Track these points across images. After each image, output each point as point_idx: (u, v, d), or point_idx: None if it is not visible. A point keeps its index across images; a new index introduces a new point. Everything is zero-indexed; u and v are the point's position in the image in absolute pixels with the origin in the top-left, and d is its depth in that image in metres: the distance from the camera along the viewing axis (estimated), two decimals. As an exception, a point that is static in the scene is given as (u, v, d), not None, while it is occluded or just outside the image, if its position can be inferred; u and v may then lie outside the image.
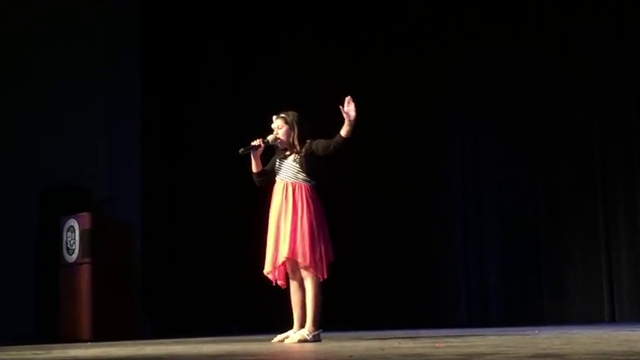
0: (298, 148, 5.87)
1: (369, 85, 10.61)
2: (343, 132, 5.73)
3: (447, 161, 10.82)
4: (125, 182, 10.38)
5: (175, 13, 11.06)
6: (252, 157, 5.94)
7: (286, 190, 5.82)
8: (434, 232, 10.70)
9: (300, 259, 5.69)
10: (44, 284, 9.28)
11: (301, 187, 5.82)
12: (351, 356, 3.70)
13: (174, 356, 4.32)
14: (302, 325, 5.76)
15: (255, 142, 5.88)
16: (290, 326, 5.91)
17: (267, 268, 5.84)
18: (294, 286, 5.85)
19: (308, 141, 5.88)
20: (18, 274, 9.52)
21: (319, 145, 5.83)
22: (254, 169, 5.98)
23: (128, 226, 8.77)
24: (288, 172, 5.86)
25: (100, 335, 7.94)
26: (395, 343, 5.02)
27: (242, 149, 5.88)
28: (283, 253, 5.70)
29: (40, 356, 4.83)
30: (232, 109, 11.02)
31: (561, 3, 9.94)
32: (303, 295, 5.78)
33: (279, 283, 5.90)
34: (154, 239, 10.59)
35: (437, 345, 4.46)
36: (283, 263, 5.78)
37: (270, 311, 10.39)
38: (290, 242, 5.68)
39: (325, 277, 5.75)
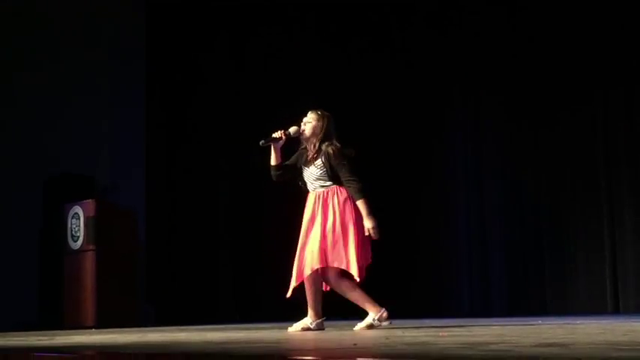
0: (317, 149, 5.63)
1: (371, 81, 10.60)
2: (360, 205, 5.55)
3: (450, 153, 10.81)
4: (129, 170, 10.40)
5: (180, 5, 11.07)
6: (272, 149, 5.72)
7: (317, 200, 5.61)
8: (437, 222, 10.70)
9: (336, 265, 5.54)
10: (48, 271, 9.30)
11: (335, 191, 5.60)
12: (355, 344, 3.70)
13: (177, 343, 4.33)
14: (376, 304, 5.62)
15: (277, 134, 5.66)
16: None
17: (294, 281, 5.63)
18: (311, 277, 5.65)
19: (326, 149, 5.60)
20: (23, 261, 9.54)
21: (337, 171, 5.58)
22: (273, 161, 5.75)
23: (132, 214, 8.81)
24: (316, 182, 5.64)
25: (103, 322, 7.98)
26: (399, 332, 5.03)
27: (262, 141, 5.65)
28: (314, 264, 5.52)
29: (44, 342, 4.84)
30: (235, 100, 11.01)
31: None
32: (321, 285, 5.68)
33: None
34: (158, 227, 10.61)
35: (441, 334, 4.46)
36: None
37: (272, 300, 10.43)
38: (320, 252, 5.51)
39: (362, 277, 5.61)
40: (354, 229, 5.55)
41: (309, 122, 5.70)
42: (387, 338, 4.15)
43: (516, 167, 10.30)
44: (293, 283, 5.60)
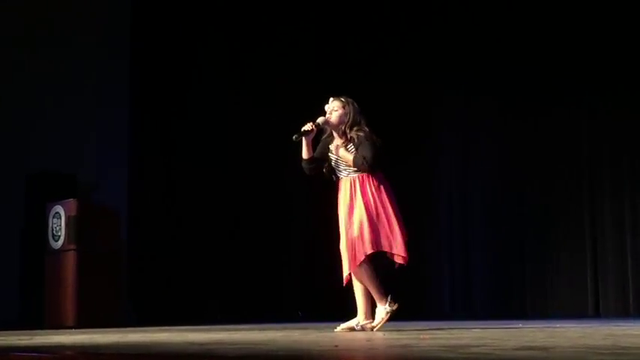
0: (347, 137, 5.64)
1: (366, 80, 10.57)
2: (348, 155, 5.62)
3: (434, 156, 10.81)
4: (112, 169, 10.36)
5: (166, 1, 11.03)
6: (303, 143, 5.68)
7: (353, 186, 5.61)
8: (419, 224, 10.68)
9: (387, 249, 5.56)
10: (29, 270, 9.26)
11: (368, 176, 5.62)
12: (336, 346, 3.70)
13: (158, 344, 4.31)
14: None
15: (307, 127, 5.59)
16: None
17: (345, 270, 5.61)
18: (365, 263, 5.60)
19: (357, 134, 5.61)
20: (3, 260, 9.49)
21: (362, 147, 5.59)
22: (304, 155, 5.71)
23: (114, 213, 8.76)
24: (349, 168, 5.64)
25: (84, 322, 7.93)
26: (380, 334, 5.04)
27: (295, 135, 5.58)
28: (367, 249, 5.52)
29: (24, 342, 4.82)
30: (220, 99, 10.98)
31: (552, 1, 9.94)
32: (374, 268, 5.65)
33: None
34: (140, 226, 10.57)
35: (422, 336, 4.47)
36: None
37: (258, 300, 10.43)
38: (371, 234, 5.50)
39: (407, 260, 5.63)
40: (393, 212, 5.58)
41: (335, 111, 5.69)
42: (368, 340, 4.15)
43: (499, 169, 10.32)
44: (347, 270, 5.57)
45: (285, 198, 10.80)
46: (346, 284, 5.71)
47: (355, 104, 5.74)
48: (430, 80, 10.73)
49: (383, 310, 5.56)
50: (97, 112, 10.48)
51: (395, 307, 5.54)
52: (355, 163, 5.60)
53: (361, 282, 5.64)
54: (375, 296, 5.61)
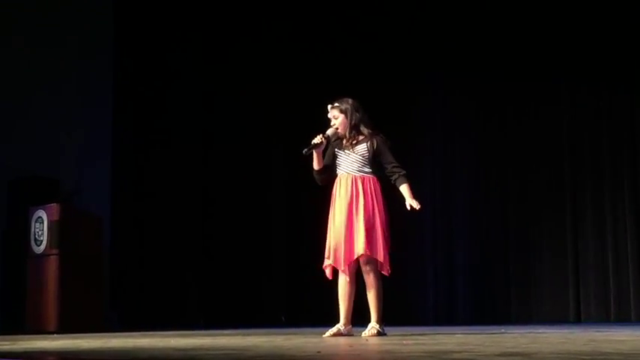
0: (355, 137, 5.75)
1: (350, 83, 10.55)
2: (404, 191, 5.77)
3: (416, 163, 10.79)
4: (95, 174, 10.31)
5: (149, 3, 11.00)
6: (314, 154, 5.75)
7: (355, 184, 5.68)
8: (402, 230, 10.68)
9: (375, 256, 5.61)
10: (11, 275, 9.20)
11: (369, 180, 5.72)
12: (319, 352, 3.71)
13: (141, 349, 4.31)
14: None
15: (317, 140, 5.70)
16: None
17: (338, 265, 5.65)
18: (344, 279, 5.69)
19: (374, 138, 5.75)
20: (-16, 264, 9.42)
21: (383, 156, 5.77)
22: (316, 166, 5.80)
23: (97, 218, 8.72)
24: (354, 165, 5.73)
25: (66, 327, 7.89)
26: (363, 340, 5.05)
27: (305, 150, 5.67)
28: (359, 249, 5.57)
29: (6, 347, 4.79)
30: (206, 100, 10.96)
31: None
32: (354, 289, 5.70)
33: (328, 274, 5.73)
34: (123, 231, 10.52)
35: (405, 342, 4.48)
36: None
37: (241, 304, 10.42)
38: (365, 238, 5.56)
39: (390, 272, 5.70)
40: (386, 221, 5.73)
41: (336, 118, 5.81)
42: (350, 346, 4.16)
43: (482, 177, 10.35)
44: (342, 266, 5.63)
45: (267, 201, 10.78)
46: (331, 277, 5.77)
47: (350, 102, 5.85)
48: (409, 80, 10.70)
49: (376, 328, 5.60)
50: (80, 116, 10.42)
51: (384, 335, 5.59)
52: (404, 177, 5.79)
53: (368, 283, 5.69)
54: (374, 308, 5.68)
